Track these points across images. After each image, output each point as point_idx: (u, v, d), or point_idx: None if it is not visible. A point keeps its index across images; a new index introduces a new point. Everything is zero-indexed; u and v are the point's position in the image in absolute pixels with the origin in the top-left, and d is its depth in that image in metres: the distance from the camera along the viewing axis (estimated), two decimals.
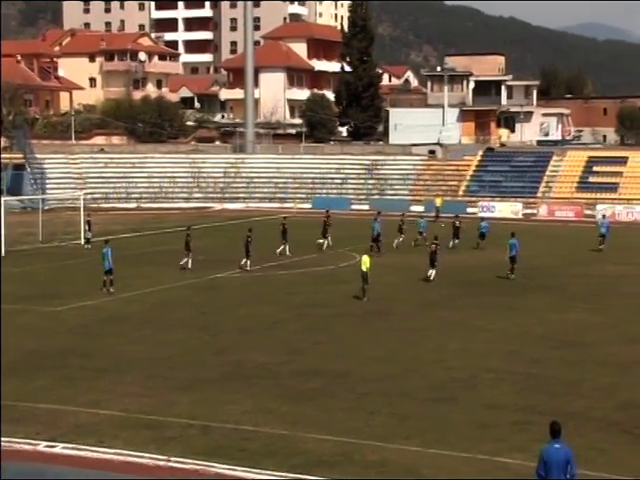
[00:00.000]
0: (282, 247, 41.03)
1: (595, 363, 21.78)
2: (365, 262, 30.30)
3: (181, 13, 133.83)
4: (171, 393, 19.16)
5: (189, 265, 36.45)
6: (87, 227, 43.93)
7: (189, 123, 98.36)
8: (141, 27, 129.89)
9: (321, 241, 43.65)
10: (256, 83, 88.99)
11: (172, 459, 15.32)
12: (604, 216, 49.57)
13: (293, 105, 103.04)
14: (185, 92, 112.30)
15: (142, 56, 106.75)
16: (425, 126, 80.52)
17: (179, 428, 16.87)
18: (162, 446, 15.89)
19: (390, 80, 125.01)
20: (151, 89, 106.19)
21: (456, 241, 43.84)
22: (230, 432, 16.68)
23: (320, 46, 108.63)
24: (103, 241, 32.64)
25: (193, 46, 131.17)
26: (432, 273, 33.77)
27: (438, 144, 77.56)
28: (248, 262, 36.52)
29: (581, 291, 32.38)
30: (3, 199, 43.79)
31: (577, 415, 17.52)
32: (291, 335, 24.95)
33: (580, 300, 30.45)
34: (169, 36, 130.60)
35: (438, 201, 60.47)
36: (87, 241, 43.31)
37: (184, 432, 16.68)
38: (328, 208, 49.25)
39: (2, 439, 15.96)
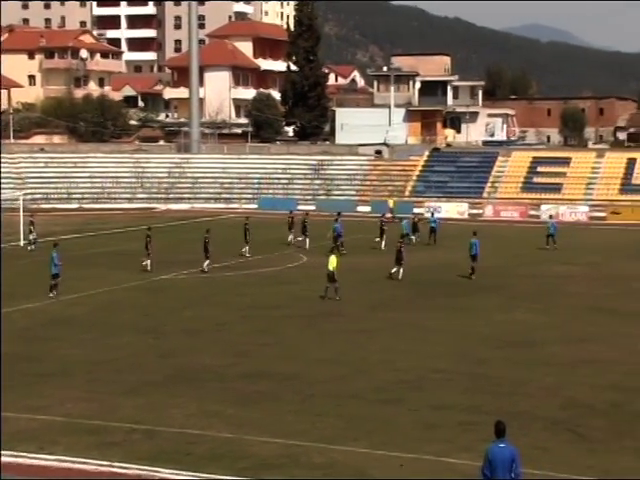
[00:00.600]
0: (245, 247, 41.41)
1: (540, 363, 22.13)
2: (332, 262, 30.61)
3: (124, 10, 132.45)
4: (115, 397, 18.97)
5: (148, 267, 36.25)
6: (31, 228, 43.29)
7: (132, 122, 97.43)
8: (82, 24, 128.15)
9: (300, 238, 44.09)
10: (201, 82, 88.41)
11: (115, 464, 15.17)
12: (551, 216, 50.47)
13: (239, 104, 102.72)
14: (128, 91, 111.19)
15: (84, 53, 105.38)
16: (371, 126, 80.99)
17: (122, 433, 16.71)
18: (105, 451, 15.72)
19: (336, 80, 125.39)
20: (93, 87, 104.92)
21: (417, 234, 45.71)
22: (175, 436, 16.57)
23: (266, 45, 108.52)
24: (52, 244, 32.11)
25: (136, 44, 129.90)
26: (398, 270, 34.54)
27: (384, 144, 78.04)
28: (206, 262, 36.49)
29: (527, 291, 32.87)
30: None
31: (522, 414, 17.79)
32: (237, 337, 24.88)
33: (526, 300, 30.91)
34: (112, 34, 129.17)
35: (391, 202, 61.08)
36: (30, 242, 42.70)
37: (128, 437, 16.53)
38: (291, 209, 49.84)
39: None
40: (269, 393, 19.42)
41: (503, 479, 12.03)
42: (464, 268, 38.16)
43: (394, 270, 34.63)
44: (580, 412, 18.11)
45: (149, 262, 36.37)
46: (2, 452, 15.66)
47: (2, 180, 67.81)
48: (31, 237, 42.91)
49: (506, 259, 41.09)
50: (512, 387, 19.95)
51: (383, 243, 43.74)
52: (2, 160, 70.25)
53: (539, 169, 68.74)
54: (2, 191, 63.50)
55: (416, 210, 63.09)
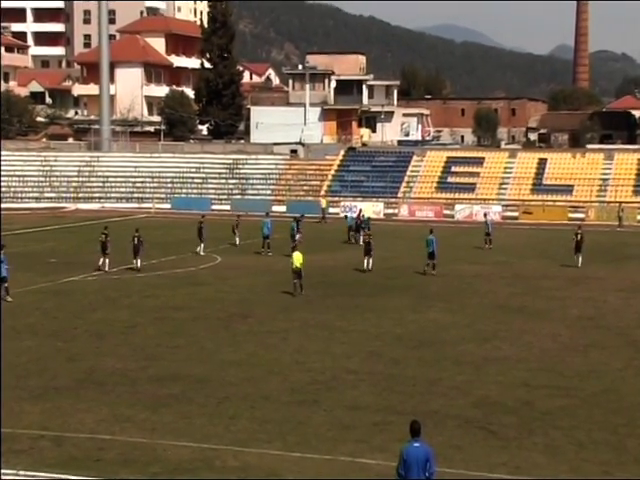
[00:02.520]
0: (200, 246, 41.89)
1: (451, 362, 22.57)
2: (298, 258, 31.56)
3: (30, 3, 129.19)
4: (20, 403, 18.57)
5: (106, 267, 36.14)
6: None
7: (40, 119, 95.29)
8: None
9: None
10: (112, 78, 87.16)
11: (21, 473, 14.86)
12: (486, 214, 51.43)
13: (151, 102, 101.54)
14: (35, 86, 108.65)
15: None
16: (287, 125, 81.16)
17: (29, 440, 16.38)
18: (11, 459, 15.38)
19: (251, 78, 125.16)
20: None
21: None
22: (85, 442, 16.34)
23: (179, 41, 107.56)
24: None
25: (43, 38, 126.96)
26: (369, 262, 36.70)
27: (300, 143, 78.29)
28: (107, 262, 36.50)
29: (438, 291, 33.45)
30: None
31: (436, 413, 18.13)
32: (148, 340, 24.66)
33: (437, 300, 31.46)
34: (17, 27, 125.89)
35: (324, 202, 61.78)
36: None
37: (35, 444, 16.22)
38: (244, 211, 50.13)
39: None
40: (181, 396, 19.31)
41: (417, 479, 12.22)
42: (377, 268, 38.60)
43: (365, 262, 36.65)
44: (492, 410, 18.54)
45: (107, 262, 36.41)
46: None
47: None
48: None
49: (418, 259, 41.67)
50: (425, 386, 20.29)
51: (361, 239, 44.85)
52: None
53: (453, 169, 70.01)
54: None
55: (332, 210, 63.57)
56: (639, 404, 19.06)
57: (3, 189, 68.55)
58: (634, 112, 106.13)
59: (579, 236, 39.83)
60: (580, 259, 39.39)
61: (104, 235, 36.83)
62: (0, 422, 17.09)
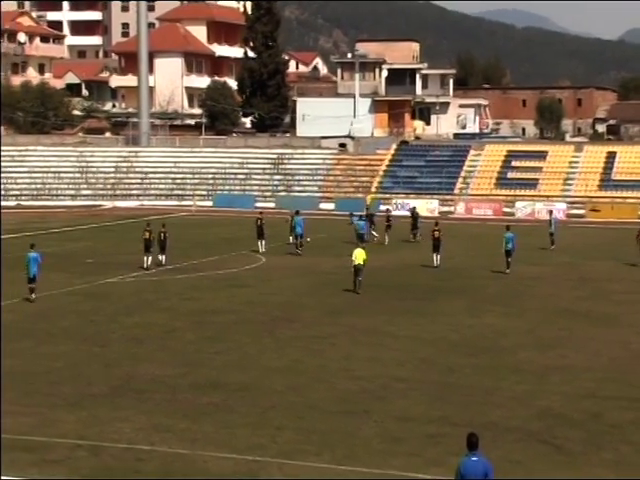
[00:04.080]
0: (260, 244, 42.68)
1: (511, 370, 22.37)
2: (360, 255, 32.32)
3: None
4: (55, 411, 18.83)
5: (148, 263, 37.28)
6: None
7: (76, 112, 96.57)
8: (20, 5, 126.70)
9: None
10: (151, 69, 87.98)
11: None
12: (551, 212, 51.10)
13: (192, 93, 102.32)
14: (71, 78, 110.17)
15: (22, 37, 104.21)
16: (335, 117, 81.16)
17: (65, 449, 16.60)
18: (45, 470, 15.61)
19: (297, 67, 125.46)
20: (32, 74, 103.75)
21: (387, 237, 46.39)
22: (122, 452, 16.51)
23: (221, 29, 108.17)
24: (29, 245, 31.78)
25: (80, 27, 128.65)
26: (437, 258, 38.16)
27: (349, 137, 78.27)
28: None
29: (497, 294, 33.21)
30: None
31: (493, 425, 17.98)
32: (187, 345, 24.83)
33: (496, 303, 31.22)
34: (52, 16, 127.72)
35: (369, 199, 61.65)
36: None
37: (70, 454, 16.43)
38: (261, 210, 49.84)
39: None
40: (223, 405, 19.42)
41: None
42: (430, 270, 38.48)
43: (434, 259, 38.25)
44: (555, 422, 18.34)
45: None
46: None
47: None
48: None
49: (476, 259, 41.43)
50: (482, 396, 20.14)
51: (387, 238, 45.87)
52: None
53: (514, 163, 69.44)
54: None
55: (383, 207, 63.39)
56: None
57: (37, 186, 69.66)
58: None
59: None
60: None
61: (147, 232, 37.49)
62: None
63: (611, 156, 68.73)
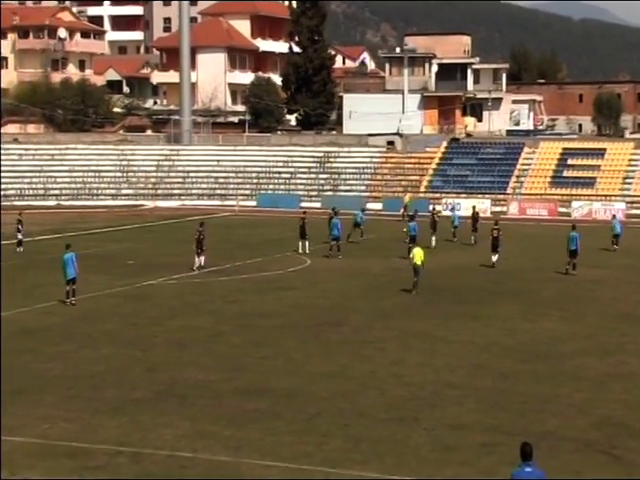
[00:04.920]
0: (303, 245, 43.05)
1: (569, 377, 22.18)
2: (419, 255, 32.79)
3: None
4: (96, 416, 19.05)
5: (202, 263, 37.80)
6: (19, 227, 43.68)
7: (117, 110, 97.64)
8: (60, 0, 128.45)
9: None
10: (193, 65, 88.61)
11: None
12: (614, 216, 50.73)
13: (235, 90, 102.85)
14: (112, 75, 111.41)
15: (62, 33, 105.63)
16: (383, 114, 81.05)
17: (106, 456, 16.78)
18: (87, 476, 15.80)
19: (344, 62, 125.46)
20: (73, 71, 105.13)
21: (434, 239, 45.63)
22: (165, 459, 16.64)
23: (265, 24, 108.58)
24: (64, 245, 32.13)
25: (121, 22, 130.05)
26: (494, 258, 38.69)
27: (397, 134, 78.09)
28: (202, 259, 37.79)
29: (554, 297, 32.93)
30: None
31: (550, 435, 17.84)
32: (232, 349, 24.97)
33: (553, 307, 30.96)
34: (93, 10, 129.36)
35: (407, 198, 61.05)
36: (19, 243, 43.20)
37: (112, 460, 16.60)
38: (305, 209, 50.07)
39: None
40: (268, 411, 19.49)
41: None
42: (484, 271, 38.31)
43: (493, 259, 38.80)
44: (615, 432, 18.15)
45: (202, 259, 37.82)
46: None
47: None
48: (19, 236, 43.39)
49: (531, 262, 41.10)
50: (538, 404, 20.00)
51: (434, 239, 45.46)
52: None
53: (570, 161, 68.79)
54: None
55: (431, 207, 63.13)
56: None
57: (78, 185, 70.50)
58: None
59: None
60: None
61: (199, 232, 37.94)
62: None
63: None
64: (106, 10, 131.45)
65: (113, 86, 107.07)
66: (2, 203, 59.92)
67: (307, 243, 43.11)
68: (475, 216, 48.19)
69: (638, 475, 16.05)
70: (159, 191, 71.16)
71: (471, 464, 16.45)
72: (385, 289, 34.46)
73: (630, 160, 68.27)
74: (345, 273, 38.10)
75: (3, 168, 69.89)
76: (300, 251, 42.85)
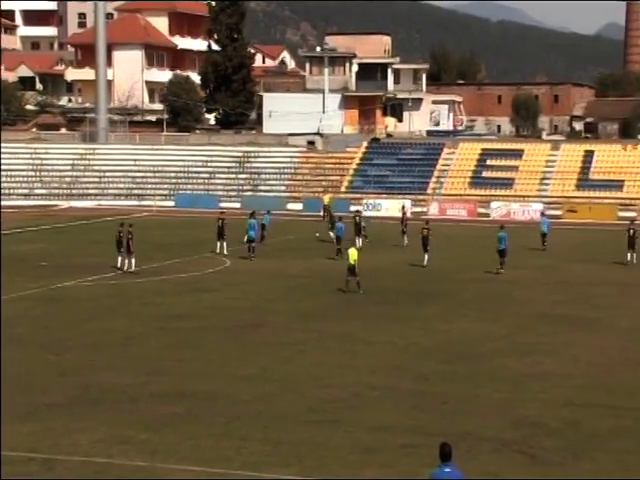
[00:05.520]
0: (221, 245, 42.81)
1: (487, 377, 22.51)
2: (353, 254, 33.15)
3: None
4: (7, 422, 18.66)
5: (132, 267, 37.18)
6: None
7: (29, 107, 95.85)
8: None
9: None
10: (109, 62, 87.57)
11: None
12: (543, 214, 51.97)
13: (152, 88, 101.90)
14: (24, 71, 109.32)
15: None
16: (303, 114, 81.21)
17: (18, 463, 16.46)
18: None
19: (264, 61, 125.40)
20: None
21: (360, 240, 45.20)
22: (79, 465, 16.41)
23: (184, 21, 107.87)
24: None
25: (33, 17, 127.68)
26: (426, 257, 39.38)
27: (318, 134, 78.36)
28: (132, 262, 37.43)
29: (473, 298, 33.40)
30: None
31: (469, 435, 18.07)
32: (149, 352, 24.74)
33: (471, 308, 31.40)
34: (4, 5, 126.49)
35: (326, 199, 61.12)
36: None
37: (24, 468, 16.30)
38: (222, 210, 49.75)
39: None
40: (186, 415, 19.36)
41: None
42: (405, 272, 38.68)
43: (424, 259, 39.49)
44: (533, 432, 18.46)
45: (133, 261, 37.31)
46: None
47: None
48: None
49: (451, 262, 41.62)
50: (458, 405, 20.24)
51: (359, 240, 45.12)
52: None
53: (489, 162, 69.88)
54: None
55: (353, 208, 63.47)
56: None
57: None
58: None
59: (632, 231, 41.28)
60: (634, 256, 40.71)
61: (119, 233, 37.70)
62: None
63: (588, 155, 69.37)
64: (17, 5, 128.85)
65: (25, 83, 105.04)
66: None
67: (225, 244, 42.93)
68: (404, 217, 48.67)
69: (553, 474, 16.37)
70: (74, 191, 70.13)
71: (391, 466, 16.57)
72: (305, 290, 34.53)
73: (547, 161, 69.65)
74: (265, 274, 38.07)
75: None
76: (218, 252, 42.68)
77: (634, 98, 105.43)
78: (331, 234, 46.51)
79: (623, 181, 66.30)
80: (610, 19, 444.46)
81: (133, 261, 37.45)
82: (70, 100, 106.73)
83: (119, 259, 37.85)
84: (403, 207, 53.35)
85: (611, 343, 26.30)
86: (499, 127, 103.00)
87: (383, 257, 42.70)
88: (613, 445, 17.70)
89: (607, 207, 63.64)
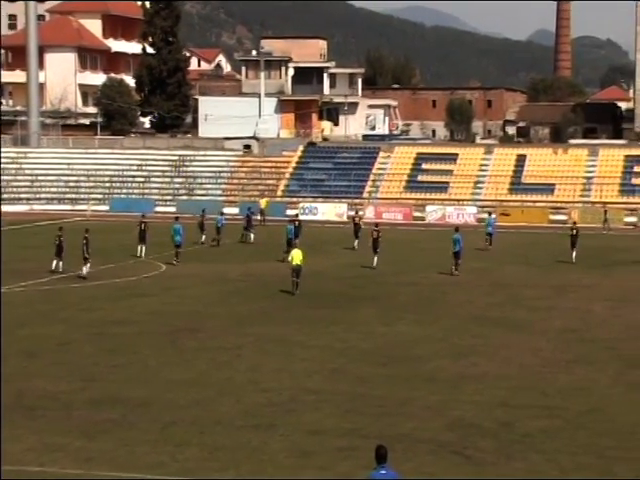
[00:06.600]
0: (140, 249, 42.74)
1: (424, 379, 22.69)
2: (297, 255, 33.75)
3: None
4: None
5: (60, 268, 37.39)
6: None
7: None
8: None
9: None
10: (41, 64, 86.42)
11: None
12: (490, 213, 52.62)
13: (86, 91, 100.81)
14: None
15: None
16: (239, 117, 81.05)
17: None
18: None
19: (199, 65, 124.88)
20: None
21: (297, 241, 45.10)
22: (9, 474, 16.12)
23: (118, 23, 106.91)
24: None
25: None
26: (375, 259, 39.96)
27: (254, 138, 78.27)
28: (60, 264, 37.62)
29: (409, 301, 33.64)
30: None
31: (406, 437, 18.20)
32: (84, 358, 24.45)
33: (408, 311, 31.61)
34: None
35: (263, 202, 61.20)
36: None
37: None
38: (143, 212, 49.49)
39: None
40: (121, 421, 19.18)
41: None
42: (343, 276, 38.82)
43: (375, 260, 39.96)
44: (467, 432, 18.66)
45: (61, 263, 37.51)
46: None
47: None
48: None
49: (388, 266, 41.83)
50: (395, 407, 20.36)
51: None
52: None
53: (424, 166, 70.46)
54: None
55: (290, 212, 63.58)
56: (628, 425, 19.30)
57: None
58: (620, 104, 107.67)
59: (574, 231, 43.09)
60: (574, 254, 42.49)
61: (58, 238, 37.94)
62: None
63: (521, 159, 70.36)
64: None
65: None
66: None
67: (144, 248, 42.83)
68: (355, 221, 48.93)
69: (487, 474, 16.56)
70: (5, 195, 68.97)
71: (328, 469, 16.61)
72: (242, 294, 34.45)
73: (481, 165, 70.46)
74: (201, 279, 37.89)
75: None
76: (138, 255, 42.55)
77: (564, 103, 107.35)
78: (252, 235, 48.90)
79: (554, 185, 67.36)
80: (541, 25, 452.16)
81: (87, 266, 37.18)
82: (0, 103, 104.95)
83: (54, 262, 37.73)
84: (357, 212, 54.11)
85: (544, 344, 26.69)
86: (434, 131, 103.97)
87: (322, 261, 42.77)
88: (546, 445, 17.97)
89: (539, 210, 64.63)
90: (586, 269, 41.36)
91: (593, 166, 68.74)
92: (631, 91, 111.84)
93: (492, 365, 24.20)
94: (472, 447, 17.78)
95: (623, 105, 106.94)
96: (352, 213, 62.65)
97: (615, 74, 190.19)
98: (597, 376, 23.20)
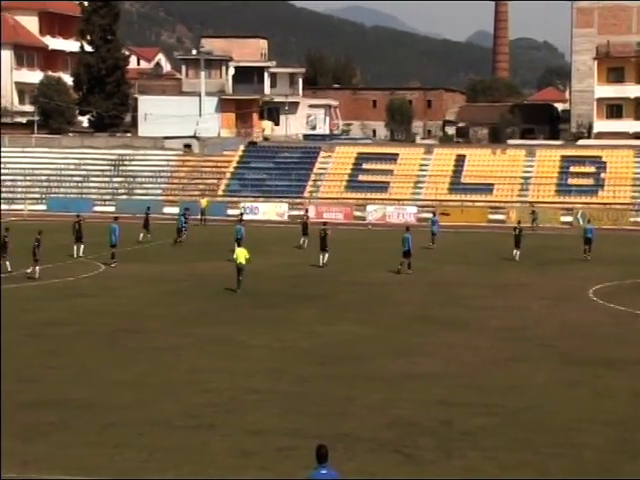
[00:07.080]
0: (75, 249, 42.58)
1: (364, 378, 22.77)
2: (242, 254, 34.10)
3: None
4: None
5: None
6: None
7: None
8: None
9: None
10: None
11: None
12: (434, 213, 53.34)
13: (22, 89, 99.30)
14: None
15: None
16: (180, 116, 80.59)
17: None
18: None
19: (139, 63, 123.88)
20: None
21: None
22: None
23: (55, 21, 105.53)
24: None
25: None
26: (324, 257, 40.54)
27: (194, 137, 77.90)
28: (37, 268, 37.01)
29: (350, 300, 33.74)
30: None
31: (346, 436, 18.24)
32: (20, 360, 24.09)
33: (349, 310, 31.72)
34: None
35: (203, 202, 60.93)
36: None
37: None
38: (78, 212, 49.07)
39: None
40: (59, 424, 18.95)
41: None
42: (284, 275, 38.83)
43: (321, 258, 40.70)
44: (407, 431, 18.77)
45: (37, 268, 36.93)
46: None
47: None
48: None
49: (330, 266, 41.92)
50: (335, 406, 20.41)
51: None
52: None
53: (365, 166, 70.79)
54: None
55: (231, 212, 63.42)
56: (564, 422, 19.58)
57: None
58: (556, 105, 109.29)
59: (517, 230, 43.98)
60: (517, 253, 43.51)
61: (3, 238, 37.55)
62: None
63: (460, 159, 71.06)
64: None
65: None
66: None
67: (82, 247, 42.67)
68: (305, 220, 49.14)
69: (427, 473, 16.67)
70: None
71: (269, 469, 16.59)
72: (182, 295, 34.26)
73: (421, 165, 71.00)
74: (141, 279, 37.61)
75: None
76: (75, 256, 42.18)
77: (503, 104, 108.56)
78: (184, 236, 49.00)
79: (493, 185, 68.15)
80: (479, 27, 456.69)
81: (37, 268, 36.88)
82: None
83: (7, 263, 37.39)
84: (306, 210, 54.66)
85: (482, 343, 26.97)
86: (374, 131, 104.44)
87: (263, 260, 42.71)
88: (484, 442, 18.15)
89: (478, 210, 65.34)
90: (523, 268, 41.92)
91: (530, 166, 69.72)
92: (567, 92, 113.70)
93: (432, 364, 24.38)
94: (412, 445, 17.90)
95: (559, 106, 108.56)
96: (301, 212, 62.96)
97: (552, 76, 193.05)
98: (534, 374, 23.51)
